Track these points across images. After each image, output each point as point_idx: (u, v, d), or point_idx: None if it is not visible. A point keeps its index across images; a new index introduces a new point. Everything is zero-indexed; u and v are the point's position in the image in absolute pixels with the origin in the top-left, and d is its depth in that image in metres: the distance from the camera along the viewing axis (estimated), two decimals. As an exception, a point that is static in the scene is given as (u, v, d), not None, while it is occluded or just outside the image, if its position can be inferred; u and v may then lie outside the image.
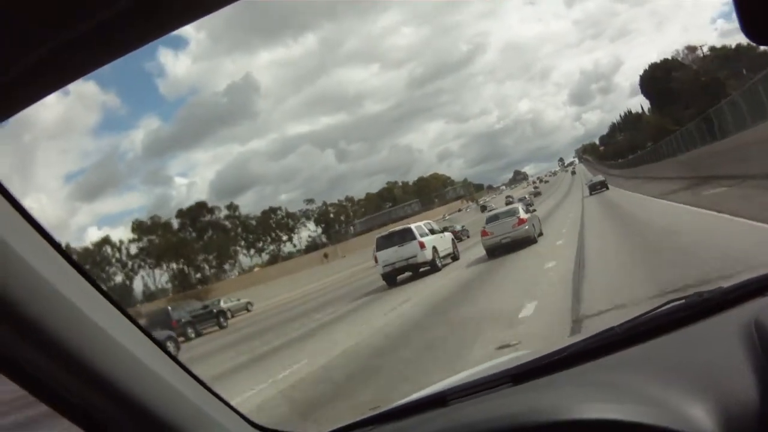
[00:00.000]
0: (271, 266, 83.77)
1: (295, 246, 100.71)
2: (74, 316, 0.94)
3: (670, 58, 67.71)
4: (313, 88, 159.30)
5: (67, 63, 0.68)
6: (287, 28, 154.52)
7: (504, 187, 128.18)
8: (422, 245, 21.55)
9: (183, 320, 24.94)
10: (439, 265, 21.83)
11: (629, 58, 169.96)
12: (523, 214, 20.33)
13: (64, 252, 0.97)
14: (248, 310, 36.31)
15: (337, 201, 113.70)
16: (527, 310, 8.54)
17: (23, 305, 0.86)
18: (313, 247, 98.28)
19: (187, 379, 1.16)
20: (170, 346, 17.94)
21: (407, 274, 21.99)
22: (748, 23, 0.70)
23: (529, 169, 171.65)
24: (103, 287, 1.04)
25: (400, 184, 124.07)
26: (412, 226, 22.98)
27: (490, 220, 21.21)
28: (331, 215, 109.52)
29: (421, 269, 21.66)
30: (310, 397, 7.55)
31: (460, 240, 33.81)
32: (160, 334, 19.07)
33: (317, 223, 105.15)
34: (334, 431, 1.43)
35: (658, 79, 65.04)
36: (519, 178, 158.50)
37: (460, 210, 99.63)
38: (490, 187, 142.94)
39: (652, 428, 0.99)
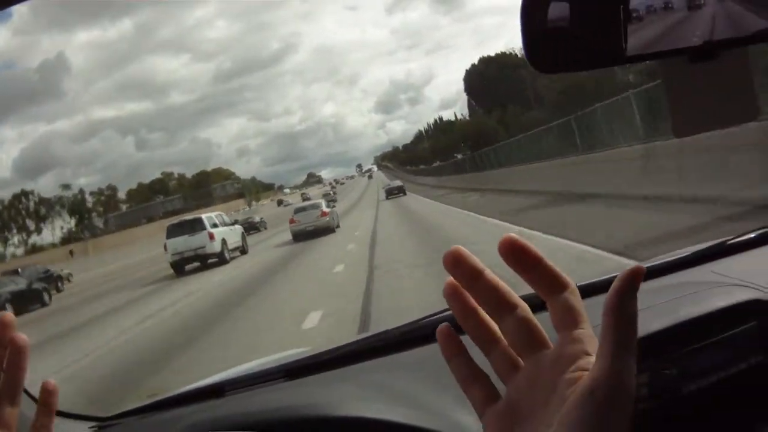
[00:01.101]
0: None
1: (49, 238, 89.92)
2: None
3: (508, 52, 61.19)
4: (122, 73, 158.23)
5: None
6: (107, 10, 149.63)
7: (288, 191, 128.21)
8: (212, 236, 21.79)
9: None
10: (228, 257, 22.15)
11: (443, 72, 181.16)
12: (325, 208, 25.20)
13: None
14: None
15: (98, 189, 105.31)
16: (311, 321, 8.23)
17: None
18: (69, 240, 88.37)
19: None
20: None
21: (195, 264, 22.07)
22: (532, 55, 0.71)
23: (325, 173, 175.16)
24: None
25: (176, 175, 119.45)
26: (203, 216, 23.37)
27: (297, 210, 25.43)
28: (89, 204, 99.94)
29: (210, 260, 21.88)
30: (93, 382, 7.74)
31: (258, 231, 38.57)
32: None
33: (71, 213, 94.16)
34: (117, 415, 1.45)
35: (488, 77, 59.76)
36: (312, 180, 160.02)
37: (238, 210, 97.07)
38: (280, 188, 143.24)
39: (418, 430, 1.03)
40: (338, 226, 25.55)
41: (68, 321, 15.66)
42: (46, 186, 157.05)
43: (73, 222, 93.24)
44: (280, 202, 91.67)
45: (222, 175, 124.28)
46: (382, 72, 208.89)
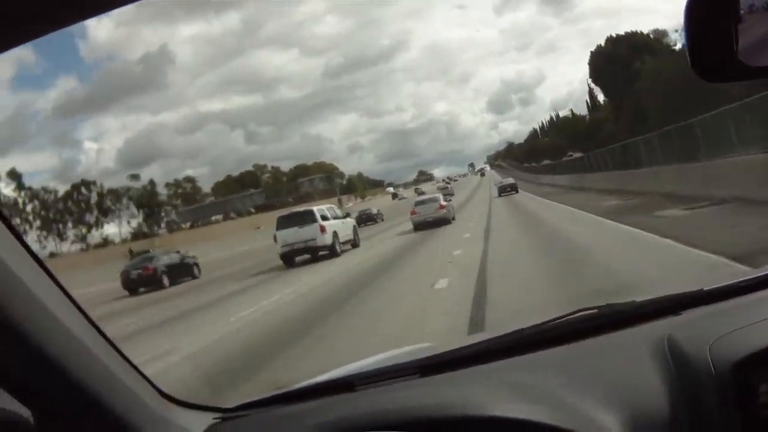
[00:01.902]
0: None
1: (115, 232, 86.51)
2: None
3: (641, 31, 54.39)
4: (229, 67, 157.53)
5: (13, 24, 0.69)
6: (210, 3, 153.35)
7: (391, 189, 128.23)
8: (323, 229, 21.55)
9: (160, 269, 24.91)
10: (339, 250, 21.87)
11: (554, 74, 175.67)
12: (443, 202, 28.24)
13: None
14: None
15: (173, 180, 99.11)
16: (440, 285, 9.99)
17: None
18: (141, 235, 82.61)
19: (104, 344, 1.16)
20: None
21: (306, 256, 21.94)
22: (697, 61, 0.76)
23: (438, 171, 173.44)
24: (27, 242, 1.03)
25: (270, 168, 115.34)
26: (314, 208, 23.18)
27: (418, 203, 28.30)
28: (161, 197, 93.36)
29: (320, 253, 21.68)
30: (213, 370, 7.61)
31: (375, 222, 41.81)
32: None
33: (138, 206, 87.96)
34: (239, 406, 1.44)
35: (619, 57, 52.13)
36: (422, 178, 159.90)
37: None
38: (389, 185, 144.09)
39: (559, 430, 1.02)
40: (454, 219, 27.75)
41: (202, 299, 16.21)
42: (153, 176, 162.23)
43: (141, 215, 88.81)
44: (394, 196, 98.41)
45: (323, 170, 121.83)
46: (493, 72, 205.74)
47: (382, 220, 42.73)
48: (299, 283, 15.37)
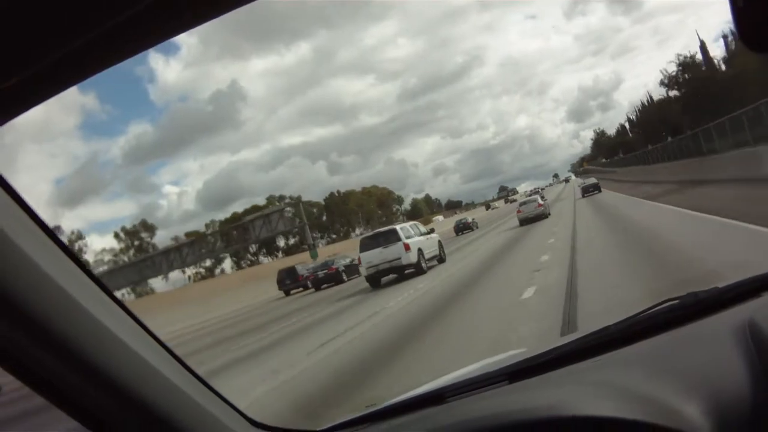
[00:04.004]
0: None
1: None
2: (73, 310, 0.95)
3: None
4: (306, 98, 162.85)
5: (67, 69, 0.71)
6: (280, 35, 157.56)
7: (440, 218, 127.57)
8: (407, 247, 21.71)
9: (304, 275, 35.72)
10: (425, 267, 22.01)
11: (630, 76, 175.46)
12: (540, 201, 36.28)
13: (64, 245, 1.00)
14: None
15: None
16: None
17: (23, 299, 0.88)
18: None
19: (186, 374, 1.18)
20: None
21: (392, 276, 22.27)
22: (746, 32, 0.74)
23: (523, 186, 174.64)
24: (102, 282, 1.06)
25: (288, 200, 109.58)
26: (398, 227, 23.31)
27: (522, 204, 37.59)
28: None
29: (406, 271, 21.85)
30: (304, 393, 7.80)
31: (471, 230, 51.37)
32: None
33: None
34: (330, 428, 1.47)
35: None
36: (502, 195, 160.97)
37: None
38: (466, 206, 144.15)
39: (647, 426, 1.03)
40: (549, 214, 35.12)
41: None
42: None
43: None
44: (488, 207, 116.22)
45: (377, 196, 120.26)
46: (570, 80, 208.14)
47: (477, 227, 52.93)
48: (387, 304, 15.53)
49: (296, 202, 61.14)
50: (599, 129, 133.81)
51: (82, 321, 0.96)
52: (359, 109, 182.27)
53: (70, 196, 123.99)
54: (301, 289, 36.05)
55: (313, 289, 32.93)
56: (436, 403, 1.39)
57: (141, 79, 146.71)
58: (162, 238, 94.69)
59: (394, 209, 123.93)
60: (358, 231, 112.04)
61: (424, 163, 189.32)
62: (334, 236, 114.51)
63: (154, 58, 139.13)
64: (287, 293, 36.38)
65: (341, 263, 33.26)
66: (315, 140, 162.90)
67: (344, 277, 32.17)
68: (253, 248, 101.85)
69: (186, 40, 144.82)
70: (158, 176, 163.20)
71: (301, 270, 36.68)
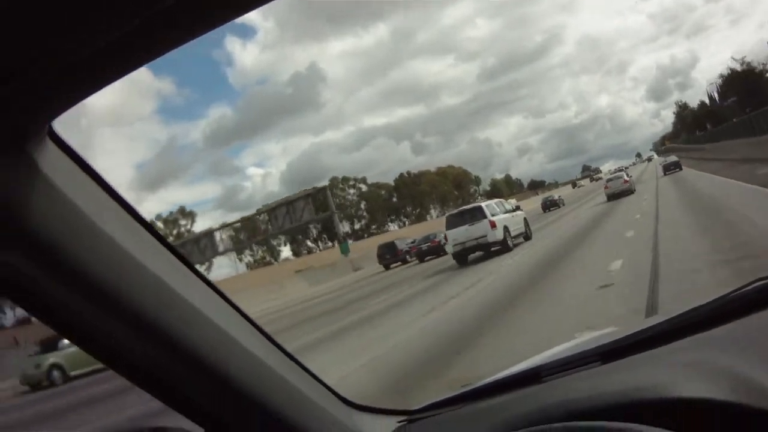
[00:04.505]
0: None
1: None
2: (163, 292, 0.94)
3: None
4: (386, 79, 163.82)
5: (135, 47, 0.68)
6: (357, 18, 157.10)
7: (514, 200, 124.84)
8: (493, 224, 21.83)
9: (403, 249, 40.22)
10: (511, 245, 22.14)
11: (706, 54, 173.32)
12: (626, 178, 39.58)
13: (150, 227, 0.98)
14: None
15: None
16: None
17: (106, 278, 0.86)
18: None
19: (280, 355, 1.17)
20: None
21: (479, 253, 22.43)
22: None
23: (607, 166, 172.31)
24: (192, 264, 1.04)
25: (355, 182, 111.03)
26: (483, 204, 23.46)
27: (608, 180, 41.61)
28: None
29: (492, 249, 22.01)
30: (396, 372, 7.92)
31: (558, 207, 54.14)
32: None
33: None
34: (425, 407, 1.45)
35: None
36: (586, 174, 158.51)
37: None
38: (549, 185, 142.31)
39: (741, 407, 1.01)
40: (634, 190, 37.62)
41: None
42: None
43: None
44: (574, 185, 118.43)
45: (451, 177, 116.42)
46: (647, 59, 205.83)
47: (563, 204, 55.76)
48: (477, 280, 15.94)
49: (319, 189, 55.14)
50: (681, 101, 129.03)
51: (174, 303, 0.95)
52: (440, 90, 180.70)
53: (151, 180, 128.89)
54: (399, 263, 39.62)
55: (416, 261, 37.17)
56: (532, 383, 1.37)
57: (219, 63, 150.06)
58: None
59: (472, 190, 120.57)
60: (434, 213, 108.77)
61: (508, 142, 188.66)
62: (405, 220, 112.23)
63: (230, 41, 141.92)
64: (387, 267, 39.42)
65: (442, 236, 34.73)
66: (398, 121, 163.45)
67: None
68: (313, 234, 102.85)
69: (262, 23, 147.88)
70: (240, 158, 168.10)
71: (400, 245, 40.99)
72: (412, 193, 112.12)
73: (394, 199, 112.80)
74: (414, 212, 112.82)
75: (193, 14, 0.67)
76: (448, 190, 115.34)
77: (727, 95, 69.18)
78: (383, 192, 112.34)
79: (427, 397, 1.50)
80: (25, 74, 0.63)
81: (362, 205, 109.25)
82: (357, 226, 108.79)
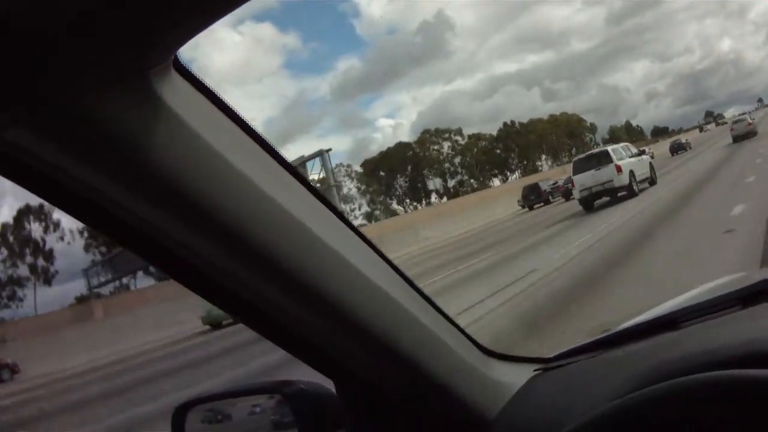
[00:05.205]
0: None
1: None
2: (299, 234, 0.88)
3: None
4: (515, 26, 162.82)
5: None
6: None
7: (647, 151, 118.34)
8: (619, 169, 21.92)
9: (546, 190, 43.79)
10: (636, 190, 22.21)
11: None
12: (750, 120, 44.15)
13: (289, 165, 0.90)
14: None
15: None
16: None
17: (237, 215, 0.80)
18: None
19: (417, 298, 1.11)
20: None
21: (605, 199, 22.60)
22: None
23: (731, 112, 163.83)
24: (334, 206, 0.97)
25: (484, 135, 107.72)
26: (609, 148, 23.67)
27: (734, 122, 46.49)
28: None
29: (619, 194, 22.10)
30: (530, 315, 8.20)
31: (685, 150, 58.59)
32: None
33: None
34: (561, 354, 1.40)
35: None
36: (708, 121, 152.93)
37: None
38: (673, 132, 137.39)
39: None
40: (757, 132, 41.15)
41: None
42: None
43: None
44: (701, 129, 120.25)
45: (562, 124, 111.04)
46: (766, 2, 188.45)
47: (690, 148, 59.76)
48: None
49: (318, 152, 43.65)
50: None
51: (306, 243, 0.88)
52: (569, 35, 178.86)
53: (281, 134, 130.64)
54: (542, 204, 43.25)
55: (561, 199, 39.98)
56: (670, 329, 1.30)
57: (345, 14, 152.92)
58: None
59: (587, 138, 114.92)
60: (545, 165, 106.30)
61: (635, 88, 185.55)
62: (507, 174, 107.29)
63: None
64: (531, 208, 43.62)
65: (560, 183, 41.26)
66: (528, 67, 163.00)
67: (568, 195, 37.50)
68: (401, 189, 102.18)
69: None
70: (370, 110, 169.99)
71: (543, 185, 44.96)
72: (519, 144, 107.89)
73: (498, 151, 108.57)
74: (521, 164, 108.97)
75: None
76: (561, 139, 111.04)
77: None
78: (484, 143, 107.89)
79: (563, 344, 1.45)
80: (148, 1, 0.60)
81: (456, 160, 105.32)
82: (452, 183, 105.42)
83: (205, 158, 0.76)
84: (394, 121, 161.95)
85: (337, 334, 0.99)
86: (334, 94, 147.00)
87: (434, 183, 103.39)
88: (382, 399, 1.12)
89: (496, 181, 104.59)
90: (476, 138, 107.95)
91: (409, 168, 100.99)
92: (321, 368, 1.10)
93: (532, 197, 44.34)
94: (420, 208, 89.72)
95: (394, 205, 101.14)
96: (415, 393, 1.11)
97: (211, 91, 0.79)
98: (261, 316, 0.97)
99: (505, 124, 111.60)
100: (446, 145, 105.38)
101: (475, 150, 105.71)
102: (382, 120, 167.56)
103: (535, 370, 1.35)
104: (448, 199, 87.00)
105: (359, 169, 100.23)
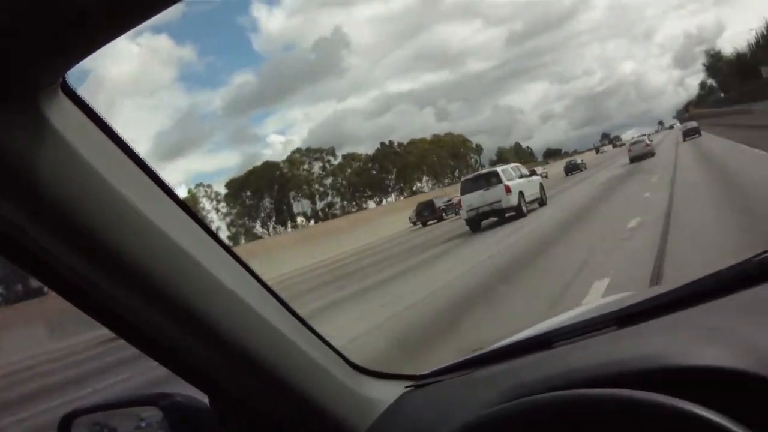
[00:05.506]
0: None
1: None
2: (174, 254, 0.92)
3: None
4: (412, 45, 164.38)
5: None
6: None
7: (542, 170, 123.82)
8: (508, 189, 21.71)
9: (441, 207, 43.27)
10: (525, 210, 22.04)
11: (732, 23, 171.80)
12: (648, 141, 44.64)
13: (171, 191, 0.95)
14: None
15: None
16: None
17: (115, 238, 0.84)
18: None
19: (288, 318, 1.16)
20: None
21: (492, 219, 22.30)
22: None
23: (630, 134, 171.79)
24: (207, 226, 1.01)
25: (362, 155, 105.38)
26: (499, 169, 23.46)
27: (632, 144, 45.52)
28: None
29: (507, 215, 21.85)
30: (406, 336, 8.02)
31: (580, 170, 56.18)
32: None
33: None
34: (434, 372, 1.44)
35: None
36: (605, 143, 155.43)
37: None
38: (565, 153, 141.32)
39: (761, 377, 0.98)
40: (654, 153, 41.11)
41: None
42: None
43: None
44: (597, 151, 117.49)
45: (446, 145, 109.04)
46: (674, 26, 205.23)
47: (585, 168, 57.96)
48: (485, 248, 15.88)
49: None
50: (713, 50, 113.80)
51: (182, 263, 0.93)
52: (466, 55, 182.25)
53: (171, 149, 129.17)
54: (435, 220, 42.83)
55: (455, 216, 37.58)
56: (543, 348, 1.34)
57: (244, 29, 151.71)
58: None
59: (472, 160, 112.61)
60: (427, 186, 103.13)
61: (531, 109, 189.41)
62: (382, 197, 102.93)
63: (257, 7, 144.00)
64: (424, 224, 43.34)
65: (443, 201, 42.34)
66: (423, 87, 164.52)
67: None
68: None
69: None
70: (262, 126, 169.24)
71: (438, 202, 44.68)
72: (397, 165, 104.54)
73: (374, 172, 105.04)
74: (399, 186, 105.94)
75: None
76: (443, 160, 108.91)
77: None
78: (359, 164, 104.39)
79: (437, 362, 1.49)
80: (37, 24, 0.63)
81: (327, 182, 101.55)
82: (321, 205, 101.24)
83: (86, 180, 0.80)
84: (284, 137, 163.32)
85: (208, 350, 1.02)
86: (226, 108, 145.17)
87: (302, 205, 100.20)
88: (253, 414, 1.15)
89: (372, 204, 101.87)
90: (350, 158, 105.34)
91: (276, 189, 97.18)
92: (195, 382, 1.10)
93: (426, 213, 44.19)
94: (284, 231, 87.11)
95: (258, 229, 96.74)
96: (284, 408, 1.15)
97: (97, 113, 0.83)
98: (136, 330, 0.99)
99: (382, 143, 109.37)
100: (317, 165, 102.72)
101: (349, 171, 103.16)
102: (273, 136, 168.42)
103: (406, 387, 1.40)
104: (316, 222, 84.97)
105: (224, 190, 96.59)
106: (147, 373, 8.75)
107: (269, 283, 1.12)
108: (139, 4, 0.68)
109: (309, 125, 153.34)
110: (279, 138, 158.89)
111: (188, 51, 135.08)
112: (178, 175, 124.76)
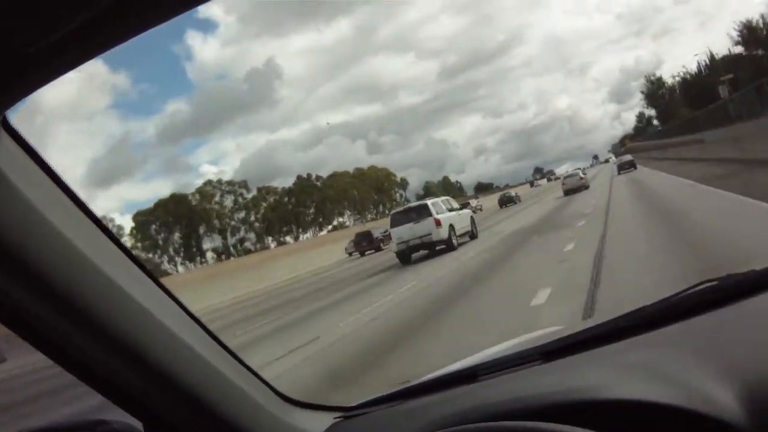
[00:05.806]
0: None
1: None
2: (108, 288, 0.95)
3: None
4: (345, 77, 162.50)
5: (88, 39, 0.69)
6: (319, 13, 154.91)
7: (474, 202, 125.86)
8: (438, 223, 21.60)
9: (378, 237, 42.82)
10: (455, 244, 21.95)
11: (670, 57, 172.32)
12: (582, 175, 44.02)
13: (97, 219, 0.98)
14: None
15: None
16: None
17: (53, 273, 0.88)
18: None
19: (218, 350, 1.18)
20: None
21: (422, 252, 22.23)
22: None
23: (564, 168, 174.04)
24: (139, 261, 1.05)
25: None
26: (429, 202, 23.25)
27: (565, 177, 45.70)
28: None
29: (437, 248, 21.75)
30: (332, 370, 7.86)
31: (515, 203, 56.49)
32: None
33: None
34: (363, 404, 1.48)
35: None
36: (538, 176, 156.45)
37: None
38: (498, 187, 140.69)
39: (681, 410, 1.01)
40: (589, 186, 41.14)
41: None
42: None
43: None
44: (531, 184, 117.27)
45: (369, 179, 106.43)
46: (611, 60, 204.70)
47: (520, 201, 57.99)
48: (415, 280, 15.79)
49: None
50: (653, 76, 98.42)
51: (106, 289, 0.95)
52: (399, 88, 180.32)
53: (104, 176, 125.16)
54: (373, 251, 42.69)
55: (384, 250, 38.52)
56: (469, 382, 1.39)
57: (178, 57, 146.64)
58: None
59: (396, 194, 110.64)
60: (350, 221, 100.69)
61: (464, 143, 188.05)
62: (299, 232, 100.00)
63: (191, 35, 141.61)
64: (362, 254, 43.54)
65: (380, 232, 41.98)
66: (355, 119, 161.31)
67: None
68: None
69: (224, 18, 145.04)
70: (195, 156, 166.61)
71: (376, 233, 44.61)
72: (315, 199, 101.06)
73: (290, 207, 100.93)
74: (318, 221, 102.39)
75: (145, 4, 0.67)
76: (366, 194, 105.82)
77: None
78: (274, 198, 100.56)
79: (367, 394, 1.51)
80: None
81: (238, 216, 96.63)
82: (233, 240, 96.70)
83: (26, 217, 0.84)
84: (217, 168, 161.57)
85: (139, 378, 1.04)
86: (159, 137, 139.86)
87: (213, 240, 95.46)
88: None
89: (289, 239, 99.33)
90: (265, 191, 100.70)
91: (184, 223, 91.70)
92: (130, 410, 1.10)
93: (364, 244, 44.24)
94: (192, 268, 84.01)
95: (165, 265, 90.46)
96: None
97: (37, 152, 0.87)
98: (71, 358, 1.00)
99: (299, 177, 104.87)
100: (230, 198, 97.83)
101: (264, 205, 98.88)
102: (205, 166, 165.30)
103: (335, 418, 1.44)
104: (227, 258, 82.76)
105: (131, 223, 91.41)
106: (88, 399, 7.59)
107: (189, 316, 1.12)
108: (81, 47, 0.69)
109: (241, 156, 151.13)
110: (212, 168, 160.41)
111: (122, 78, 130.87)
112: (111, 203, 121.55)
